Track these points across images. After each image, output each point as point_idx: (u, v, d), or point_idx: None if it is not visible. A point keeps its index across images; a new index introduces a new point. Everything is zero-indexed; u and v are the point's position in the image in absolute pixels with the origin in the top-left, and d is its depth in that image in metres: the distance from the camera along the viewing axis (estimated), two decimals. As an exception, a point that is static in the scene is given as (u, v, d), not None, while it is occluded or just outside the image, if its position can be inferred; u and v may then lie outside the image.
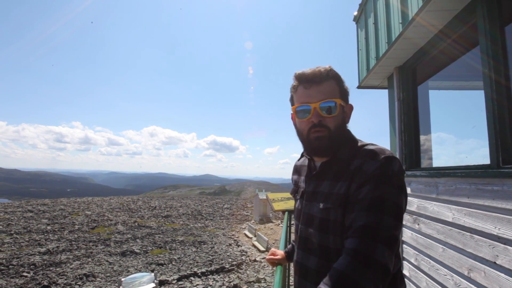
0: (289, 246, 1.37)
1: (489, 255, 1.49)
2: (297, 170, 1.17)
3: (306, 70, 0.92)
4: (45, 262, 6.52)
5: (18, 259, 6.66)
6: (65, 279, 5.58)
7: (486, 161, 1.61)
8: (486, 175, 1.56)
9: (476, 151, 2.11)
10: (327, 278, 0.69)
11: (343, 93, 0.94)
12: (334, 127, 0.90)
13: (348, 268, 0.67)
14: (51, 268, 6.22)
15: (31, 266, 6.27)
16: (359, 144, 0.92)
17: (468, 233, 1.67)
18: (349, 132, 0.98)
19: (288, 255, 1.35)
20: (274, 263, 1.36)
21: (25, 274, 5.81)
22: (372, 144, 0.90)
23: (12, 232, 9.21)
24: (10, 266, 6.20)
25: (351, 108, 0.98)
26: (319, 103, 0.89)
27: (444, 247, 1.91)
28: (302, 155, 1.17)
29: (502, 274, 1.40)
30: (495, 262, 1.45)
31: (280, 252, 1.39)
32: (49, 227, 10.13)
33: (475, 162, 1.81)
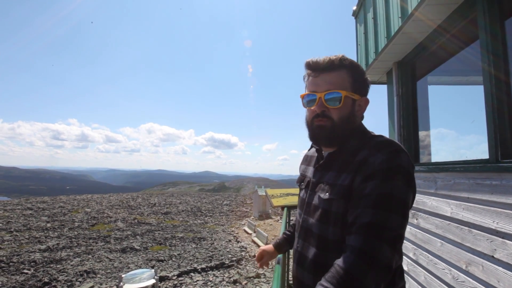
0: (280, 238, 1.36)
1: (487, 249, 1.50)
2: (306, 159, 1.16)
3: (317, 58, 0.90)
4: (46, 259, 6.54)
5: (18, 256, 6.67)
6: (66, 276, 5.60)
7: (485, 156, 1.61)
8: (485, 169, 1.56)
9: (476, 146, 2.11)
10: (330, 276, 0.68)
11: (358, 85, 0.91)
12: (339, 118, 0.88)
13: (352, 267, 0.66)
14: (51, 265, 6.23)
15: (32, 263, 6.28)
16: (369, 135, 0.90)
17: (467, 228, 1.68)
18: (361, 125, 0.96)
19: (279, 248, 1.33)
20: (267, 263, 1.36)
21: (25, 271, 5.82)
22: (381, 136, 0.88)
23: (12, 230, 9.21)
24: (11, 263, 6.22)
25: (366, 101, 0.95)
26: (324, 93, 0.87)
27: (443, 241, 1.92)
28: (312, 145, 1.16)
29: (500, 268, 1.41)
30: (493, 256, 1.46)
31: (268, 250, 1.35)
32: (48, 225, 10.13)
33: (474, 158, 1.82)
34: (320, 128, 0.90)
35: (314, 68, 0.90)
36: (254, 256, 7.01)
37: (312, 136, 0.95)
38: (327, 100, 0.87)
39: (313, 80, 0.91)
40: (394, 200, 0.72)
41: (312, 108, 0.91)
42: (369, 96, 0.97)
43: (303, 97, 0.95)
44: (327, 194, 0.88)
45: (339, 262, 0.69)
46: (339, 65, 0.87)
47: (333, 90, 0.87)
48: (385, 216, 0.70)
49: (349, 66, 0.89)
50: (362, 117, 0.97)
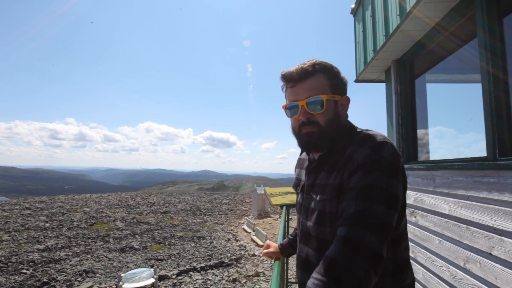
0: (284, 240, 1.38)
1: (485, 246, 1.51)
2: (299, 163, 1.17)
3: (290, 69, 0.91)
4: (44, 259, 6.53)
5: (17, 256, 6.66)
6: (65, 276, 5.59)
7: (483, 154, 1.62)
8: (482, 167, 1.57)
9: (474, 144, 2.12)
10: (319, 266, 0.69)
11: (336, 86, 0.92)
12: (325, 122, 0.89)
13: (338, 255, 0.67)
14: (50, 265, 6.22)
15: (30, 263, 6.27)
16: (355, 131, 0.91)
17: (464, 225, 1.69)
18: (347, 123, 0.96)
19: (283, 249, 1.36)
20: (271, 257, 1.39)
21: (24, 271, 5.81)
22: (367, 131, 0.88)
23: (10, 230, 9.19)
24: (9, 264, 6.20)
25: (347, 100, 0.96)
26: (305, 100, 0.88)
27: (441, 239, 1.93)
28: None
29: (498, 265, 1.42)
30: (490, 253, 1.47)
31: (274, 245, 1.40)
32: (47, 224, 10.11)
33: (472, 155, 1.82)
34: (309, 135, 0.91)
35: (290, 79, 0.91)
36: (254, 254, 7.03)
37: (301, 144, 0.96)
38: (310, 106, 0.88)
39: (291, 90, 0.92)
40: (376, 190, 0.73)
41: (296, 117, 0.92)
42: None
43: (285, 107, 0.96)
44: (321, 195, 0.89)
45: (327, 252, 0.71)
46: (313, 70, 0.88)
47: (314, 96, 0.87)
48: (368, 205, 0.71)
49: (323, 70, 0.90)
50: (347, 115, 0.98)
